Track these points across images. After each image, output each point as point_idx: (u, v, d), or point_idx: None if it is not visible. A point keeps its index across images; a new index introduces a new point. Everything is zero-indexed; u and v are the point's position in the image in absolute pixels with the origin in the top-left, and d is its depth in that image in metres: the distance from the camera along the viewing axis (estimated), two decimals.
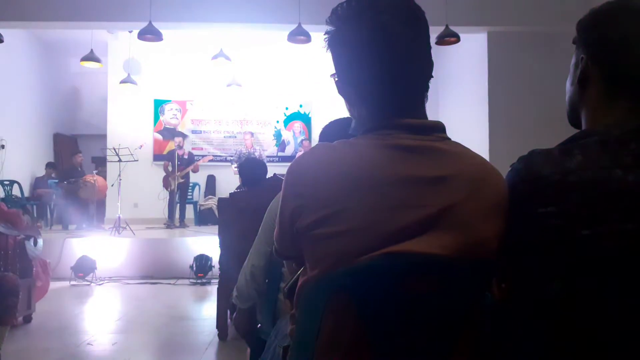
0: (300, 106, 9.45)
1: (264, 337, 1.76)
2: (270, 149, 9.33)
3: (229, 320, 3.48)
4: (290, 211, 0.81)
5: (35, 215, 8.11)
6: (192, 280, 5.54)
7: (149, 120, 9.17)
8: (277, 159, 9.22)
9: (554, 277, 0.77)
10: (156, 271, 5.76)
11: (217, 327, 3.54)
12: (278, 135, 9.44)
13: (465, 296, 0.78)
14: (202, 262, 5.59)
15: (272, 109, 9.41)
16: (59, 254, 5.68)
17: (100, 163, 8.81)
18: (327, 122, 1.59)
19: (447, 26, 5.54)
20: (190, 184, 8.29)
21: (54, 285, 4.62)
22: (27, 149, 8.92)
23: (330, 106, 8.67)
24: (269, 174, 3.53)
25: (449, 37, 5.60)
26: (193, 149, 8.90)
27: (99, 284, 5.46)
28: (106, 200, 8.44)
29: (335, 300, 0.75)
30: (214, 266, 5.50)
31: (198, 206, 8.59)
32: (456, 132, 2.87)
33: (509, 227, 0.80)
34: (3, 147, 8.10)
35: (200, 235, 6.33)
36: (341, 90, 0.88)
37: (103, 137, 8.97)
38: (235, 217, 3.25)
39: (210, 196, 8.77)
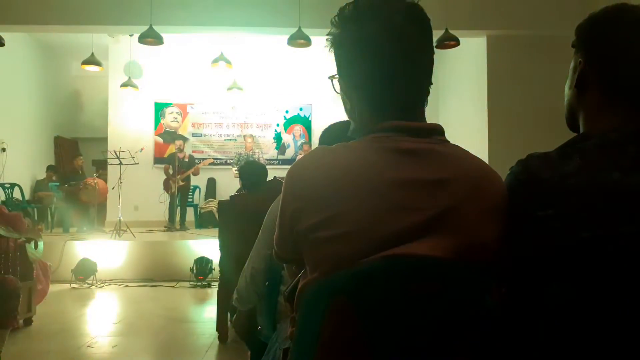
0: (301, 109, 9.46)
1: (264, 340, 1.76)
2: (271, 152, 9.34)
3: (229, 322, 3.48)
4: (290, 214, 0.81)
5: (36, 218, 8.11)
6: (192, 283, 5.54)
7: (150, 123, 9.18)
8: (277, 161, 9.23)
9: (554, 280, 0.78)
10: (156, 274, 5.76)
11: (217, 329, 3.54)
12: (278, 138, 9.45)
13: (465, 299, 0.78)
14: (202, 265, 5.59)
15: (272, 112, 9.42)
16: (59, 257, 5.68)
17: (101, 166, 8.83)
18: (327, 126, 1.60)
19: (446, 30, 5.55)
20: (191, 187, 8.29)
21: (54, 288, 4.62)
22: (28, 152, 8.93)
23: (330, 109, 8.72)
24: (269, 177, 3.53)
25: (448, 41, 5.61)
26: (193, 152, 8.90)
27: (100, 287, 5.45)
28: (107, 203, 8.45)
29: (335, 303, 0.75)
30: (214, 269, 5.50)
31: (198, 209, 8.59)
32: (456, 136, 2.87)
33: (508, 230, 0.81)
34: (4, 150, 8.11)
35: (200, 238, 6.33)
36: (342, 91, 0.88)
37: (104, 140, 8.98)
38: (235, 219, 3.25)
39: (210, 199, 8.77)
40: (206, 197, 8.96)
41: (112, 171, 8.17)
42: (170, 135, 9.11)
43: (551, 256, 0.78)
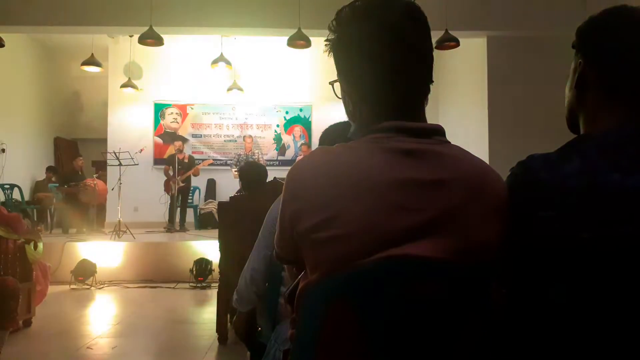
0: (301, 110, 9.46)
1: (264, 341, 1.76)
2: (271, 152, 9.34)
3: (229, 324, 3.48)
4: (289, 215, 0.81)
5: (35, 219, 8.12)
6: (192, 284, 5.54)
7: (150, 124, 9.18)
8: (277, 162, 9.23)
9: (554, 280, 0.78)
10: (156, 275, 5.75)
11: (217, 330, 3.54)
12: (278, 139, 9.46)
13: (466, 300, 0.78)
14: (202, 266, 5.59)
15: (272, 112, 9.43)
16: (59, 258, 5.68)
17: (100, 167, 8.83)
18: (327, 126, 1.60)
19: (446, 30, 5.56)
20: (191, 188, 8.30)
21: (54, 289, 4.62)
22: (28, 152, 8.94)
23: (330, 110, 8.73)
24: (269, 178, 3.53)
25: (448, 42, 5.62)
26: (193, 152, 8.90)
27: (99, 288, 5.45)
28: (106, 204, 8.45)
29: (335, 304, 0.75)
30: (214, 270, 5.50)
31: (198, 210, 8.58)
32: (456, 136, 2.88)
33: (508, 231, 0.81)
34: (3, 150, 8.11)
35: (200, 239, 6.33)
36: (343, 92, 0.88)
37: (103, 141, 8.98)
38: (235, 220, 3.26)
39: (210, 200, 8.77)
40: (206, 198, 8.97)
41: (112, 172, 8.17)
42: (170, 136, 9.12)
43: (551, 257, 0.78)
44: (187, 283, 5.57)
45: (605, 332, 0.74)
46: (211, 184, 9.16)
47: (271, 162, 8.94)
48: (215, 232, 3.95)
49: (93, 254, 5.75)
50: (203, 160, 8.59)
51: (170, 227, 7.68)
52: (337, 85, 0.90)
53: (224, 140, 9.35)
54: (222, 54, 7.71)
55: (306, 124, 9.47)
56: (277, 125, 9.46)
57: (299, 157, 8.32)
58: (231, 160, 8.59)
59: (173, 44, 7.67)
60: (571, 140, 0.83)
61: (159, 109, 9.20)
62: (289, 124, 9.47)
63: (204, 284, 5.50)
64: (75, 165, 8.30)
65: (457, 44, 5.71)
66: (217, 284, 3.91)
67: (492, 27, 6.17)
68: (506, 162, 0.94)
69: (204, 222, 8.26)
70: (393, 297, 0.74)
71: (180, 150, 7.95)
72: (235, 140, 9.28)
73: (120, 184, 7.19)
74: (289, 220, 0.81)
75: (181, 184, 7.73)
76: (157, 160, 9.01)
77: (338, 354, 0.75)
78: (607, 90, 0.85)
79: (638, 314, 0.72)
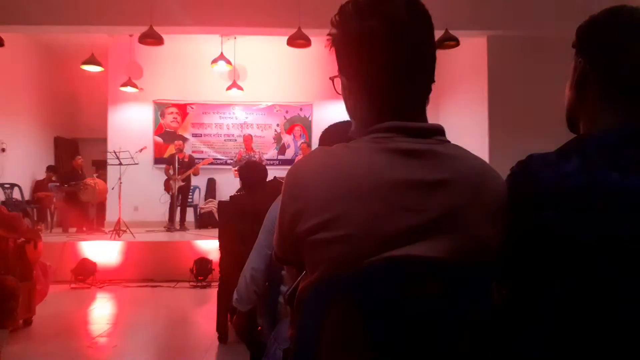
0: (301, 109, 9.47)
1: (264, 340, 1.77)
2: (271, 152, 9.34)
3: (229, 323, 3.48)
4: (289, 216, 0.81)
5: (35, 218, 8.12)
6: (192, 283, 5.54)
7: (150, 123, 9.18)
8: (277, 162, 9.23)
9: (554, 280, 0.78)
10: (156, 274, 5.75)
11: (218, 330, 3.54)
12: (278, 138, 9.46)
13: (466, 300, 0.78)
14: (202, 265, 5.59)
15: (272, 112, 9.43)
16: (59, 257, 5.67)
17: (100, 166, 8.82)
18: (327, 126, 1.60)
19: (446, 30, 5.55)
20: (191, 187, 8.30)
21: (54, 288, 4.61)
22: (28, 152, 8.93)
23: (330, 109, 8.73)
24: (269, 177, 3.53)
25: (448, 41, 5.61)
26: (193, 152, 8.90)
27: (99, 287, 5.45)
28: (106, 203, 8.44)
29: (335, 305, 0.75)
30: (214, 269, 5.50)
31: (198, 209, 8.58)
32: (456, 136, 2.87)
33: (508, 230, 0.81)
34: (4, 150, 8.11)
35: (200, 239, 6.33)
36: (343, 88, 0.88)
37: (103, 140, 8.98)
38: (235, 220, 3.26)
39: (210, 199, 8.77)
40: (206, 197, 8.97)
41: (112, 171, 8.17)
42: (170, 136, 9.12)
43: (551, 257, 0.78)
44: (188, 282, 5.57)
45: (605, 331, 0.74)
46: (211, 184, 9.16)
47: (271, 162, 8.94)
48: (215, 231, 3.95)
49: (93, 254, 5.76)
50: (203, 159, 8.59)
51: (170, 226, 7.69)
52: (337, 80, 0.89)
53: (224, 140, 9.35)
54: (222, 53, 7.71)
55: (306, 123, 9.47)
56: (277, 125, 9.46)
57: (299, 157, 8.32)
58: (231, 159, 8.59)
59: (173, 44, 7.66)
60: (571, 140, 0.83)
61: (159, 108, 9.20)
62: (289, 123, 9.47)
63: (204, 283, 5.50)
64: (75, 165, 8.29)
65: (457, 43, 5.71)
66: (217, 283, 3.92)
67: (492, 27, 6.17)
68: (506, 162, 0.94)
69: (204, 222, 8.25)
70: (394, 298, 0.74)
71: (181, 150, 7.95)
72: (235, 140, 9.27)
73: (120, 183, 7.19)
74: (289, 221, 0.81)
75: (181, 183, 7.73)
76: (157, 160, 9.02)
77: (338, 354, 0.75)
78: (607, 89, 0.85)
79: (638, 314, 0.72)
